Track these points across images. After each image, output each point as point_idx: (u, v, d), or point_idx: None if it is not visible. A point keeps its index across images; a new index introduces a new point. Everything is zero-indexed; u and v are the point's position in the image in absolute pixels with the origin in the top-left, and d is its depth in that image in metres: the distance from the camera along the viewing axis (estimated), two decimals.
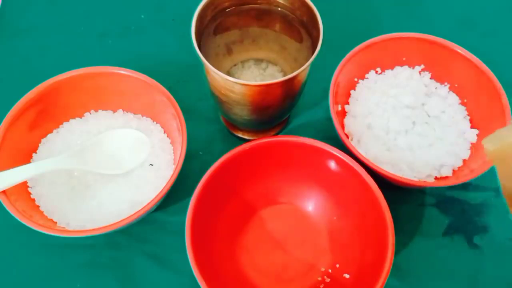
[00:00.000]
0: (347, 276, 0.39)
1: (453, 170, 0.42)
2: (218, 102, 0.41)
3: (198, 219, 0.37)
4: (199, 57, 0.35)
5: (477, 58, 0.43)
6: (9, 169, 0.36)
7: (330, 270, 0.41)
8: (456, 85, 0.46)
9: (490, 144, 0.15)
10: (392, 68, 0.48)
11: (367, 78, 0.47)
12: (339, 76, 0.43)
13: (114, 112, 0.45)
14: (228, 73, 0.45)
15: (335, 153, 0.39)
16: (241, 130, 0.48)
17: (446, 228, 0.44)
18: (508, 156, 0.14)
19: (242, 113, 0.40)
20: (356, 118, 0.44)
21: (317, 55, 0.35)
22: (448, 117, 0.44)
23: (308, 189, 0.43)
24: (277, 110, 0.41)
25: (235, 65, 0.46)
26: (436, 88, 0.47)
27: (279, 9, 0.41)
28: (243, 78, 0.45)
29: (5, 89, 0.49)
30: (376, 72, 0.47)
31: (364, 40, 0.44)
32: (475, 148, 0.43)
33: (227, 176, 0.40)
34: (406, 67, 0.47)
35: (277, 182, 0.43)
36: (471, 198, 0.45)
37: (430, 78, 0.47)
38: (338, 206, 0.42)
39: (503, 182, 0.14)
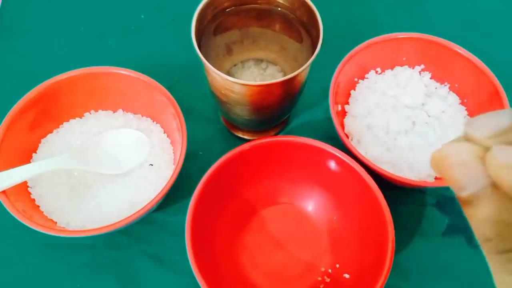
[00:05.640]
0: (347, 276, 0.39)
1: None
2: (218, 102, 0.41)
3: (198, 219, 0.37)
4: (199, 57, 0.35)
5: (477, 58, 0.43)
6: (9, 169, 0.36)
7: (330, 270, 0.41)
8: (456, 85, 0.46)
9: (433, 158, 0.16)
10: (392, 68, 0.48)
11: (367, 78, 0.47)
12: (339, 76, 0.43)
13: (114, 112, 0.45)
14: (228, 73, 0.45)
15: (335, 153, 0.39)
16: (241, 130, 0.48)
17: (446, 228, 0.44)
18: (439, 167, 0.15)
19: (242, 113, 0.40)
20: (356, 118, 0.44)
21: (317, 55, 0.35)
22: (448, 117, 0.44)
23: (308, 189, 0.43)
24: (277, 110, 0.41)
25: (235, 65, 0.46)
26: (436, 88, 0.47)
27: (279, 9, 0.41)
28: (243, 78, 0.45)
29: (5, 89, 0.49)
30: (376, 72, 0.47)
31: (364, 40, 0.44)
32: None
33: (227, 176, 0.40)
34: (406, 67, 0.47)
35: (277, 182, 0.43)
36: None
37: (430, 78, 0.47)
38: (338, 206, 0.42)
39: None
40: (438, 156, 0.15)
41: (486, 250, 0.15)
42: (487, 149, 0.14)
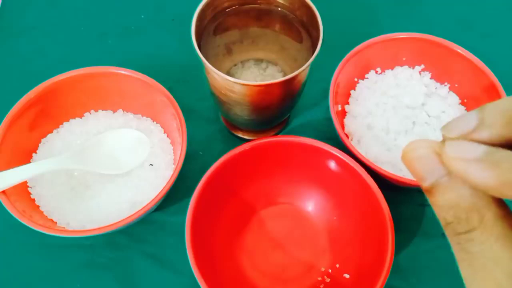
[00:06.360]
0: (347, 276, 0.39)
1: None
2: (218, 102, 0.41)
3: (198, 219, 0.37)
4: (199, 57, 0.35)
5: (477, 58, 0.43)
6: (9, 169, 0.36)
7: (330, 270, 0.41)
8: (456, 85, 0.46)
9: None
10: (392, 68, 0.48)
11: (367, 78, 0.47)
12: (339, 76, 0.43)
13: (114, 112, 0.45)
14: (228, 73, 0.45)
15: (335, 153, 0.39)
16: (241, 130, 0.48)
17: None
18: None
19: (242, 113, 0.40)
20: (356, 118, 0.44)
21: (317, 55, 0.35)
22: (448, 117, 0.44)
23: (308, 189, 0.43)
24: (277, 110, 0.41)
25: (235, 65, 0.46)
26: (436, 88, 0.47)
27: (279, 9, 0.41)
28: (243, 78, 0.45)
29: (5, 89, 0.49)
30: (376, 72, 0.47)
31: (364, 40, 0.44)
32: None
33: (227, 176, 0.40)
34: (406, 67, 0.47)
35: (277, 182, 0.43)
36: None
37: (430, 78, 0.47)
38: (338, 206, 0.42)
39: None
40: (403, 152, 0.17)
41: (448, 233, 0.17)
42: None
